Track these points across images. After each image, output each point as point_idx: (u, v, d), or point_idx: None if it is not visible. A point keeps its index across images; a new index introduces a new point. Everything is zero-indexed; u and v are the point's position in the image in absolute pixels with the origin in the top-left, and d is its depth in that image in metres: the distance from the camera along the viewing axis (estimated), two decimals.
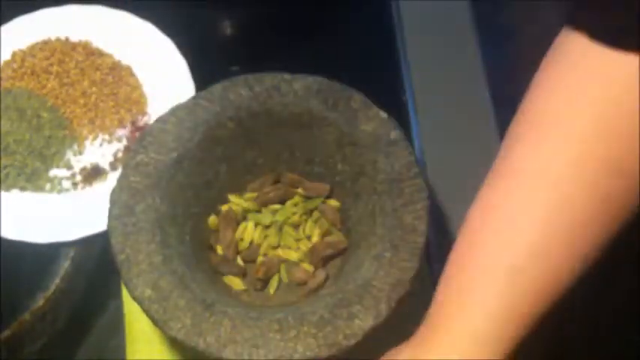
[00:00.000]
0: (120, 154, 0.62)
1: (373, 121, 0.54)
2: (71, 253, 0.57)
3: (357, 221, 0.55)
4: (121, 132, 0.63)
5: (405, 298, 0.49)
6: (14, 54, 0.66)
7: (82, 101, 0.63)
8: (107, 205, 0.52)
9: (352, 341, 0.47)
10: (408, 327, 0.57)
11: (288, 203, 0.58)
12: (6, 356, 0.54)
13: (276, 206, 0.58)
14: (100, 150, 0.62)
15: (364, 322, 0.48)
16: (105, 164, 0.62)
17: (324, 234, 0.57)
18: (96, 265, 0.60)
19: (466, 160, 0.66)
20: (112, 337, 0.60)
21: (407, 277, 0.49)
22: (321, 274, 0.55)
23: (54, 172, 0.61)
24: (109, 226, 0.52)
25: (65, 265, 0.56)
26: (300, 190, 0.58)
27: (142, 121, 0.63)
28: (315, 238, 0.57)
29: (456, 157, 0.66)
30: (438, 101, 0.68)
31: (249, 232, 0.57)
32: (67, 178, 0.61)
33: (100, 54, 0.66)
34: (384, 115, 0.54)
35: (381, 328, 0.48)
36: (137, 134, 0.62)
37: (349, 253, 0.55)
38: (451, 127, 0.68)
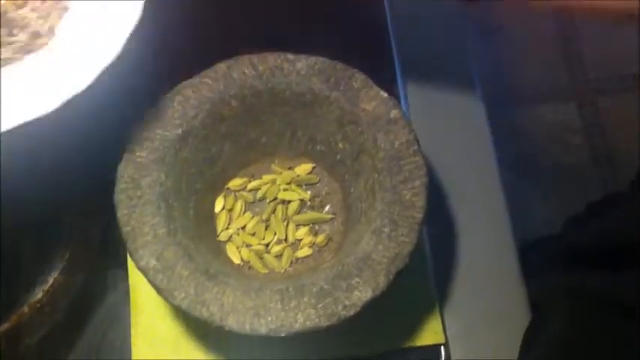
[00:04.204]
0: (55, 18, 0.53)
1: (374, 100, 0.55)
2: (70, 246, 0.57)
3: (357, 198, 0.56)
4: None
5: (403, 271, 0.50)
6: None
7: None
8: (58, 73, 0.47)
9: (351, 312, 0.49)
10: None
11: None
12: (5, 348, 0.54)
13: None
14: (32, 15, 0.53)
15: (363, 294, 0.49)
16: (41, 30, 0.53)
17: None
18: (94, 258, 0.60)
19: (460, 159, 0.66)
20: (111, 329, 0.61)
21: (405, 251, 0.50)
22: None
23: None
24: (115, 199, 0.52)
25: (64, 258, 0.57)
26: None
27: None
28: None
29: (450, 156, 0.66)
30: (430, 101, 0.68)
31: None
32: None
33: None
34: (384, 94, 0.55)
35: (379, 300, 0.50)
36: None
37: (349, 228, 0.56)
38: (444, 125, 0.68)
